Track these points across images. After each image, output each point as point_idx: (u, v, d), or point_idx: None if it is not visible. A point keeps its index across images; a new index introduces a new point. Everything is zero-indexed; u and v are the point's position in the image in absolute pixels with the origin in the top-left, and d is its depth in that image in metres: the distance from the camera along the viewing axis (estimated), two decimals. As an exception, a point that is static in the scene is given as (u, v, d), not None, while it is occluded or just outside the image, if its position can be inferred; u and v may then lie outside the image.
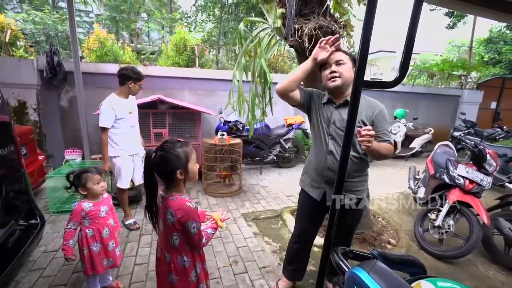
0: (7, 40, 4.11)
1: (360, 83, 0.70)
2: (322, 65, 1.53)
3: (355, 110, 0.72)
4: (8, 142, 1.71)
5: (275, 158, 5.12)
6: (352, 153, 1.50)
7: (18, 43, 4.74)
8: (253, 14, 9.86)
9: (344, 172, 0.80)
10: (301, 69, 1.53)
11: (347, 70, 1.46)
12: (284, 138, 5.06)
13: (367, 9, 0.67)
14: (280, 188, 4.14)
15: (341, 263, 0.74)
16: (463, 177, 2.52)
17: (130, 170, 2.73)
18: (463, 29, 11.77)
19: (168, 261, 1.26)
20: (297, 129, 5.21)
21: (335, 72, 1.45)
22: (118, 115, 2.53)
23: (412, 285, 0.70)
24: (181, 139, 1.24)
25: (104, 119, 2.47)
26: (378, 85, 0.76)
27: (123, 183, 2.70)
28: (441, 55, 12.26)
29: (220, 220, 1.41)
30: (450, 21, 10.34)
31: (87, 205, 1.68)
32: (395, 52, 14.14)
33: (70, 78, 4.14)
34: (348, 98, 1.47)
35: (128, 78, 2.53)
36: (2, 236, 1.52)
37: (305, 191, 1.74)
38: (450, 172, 2.59)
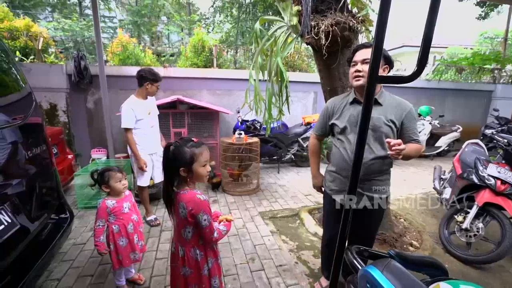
0: (40, 48, 4.41)
1: (375, 79, 0.68)
2: (350, 61, 1.53)
3: (369, 106, 0.70)
4: (40, 142, 1.83)
5: (293, 157, 5.08)
6: (380, 152, 1.50)
7: (49, 49, 5.08)
8: (270, 13, 9.83)
9: (358, 170, 0.78)
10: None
11: None
12: (302, 137, 5.01)
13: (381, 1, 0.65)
14: (298, 187, 4.10)
15: (354, 261, 0.73)
16: (494, 177, 2.36)
17: (149, 168, 2.82)
18: (497, 20, 10.95)
19: (182, 255, 1.30)
20: (315, 128, 5.14)
21: (359, 71, 1.45)
22: (138, 116, 2.63)
23: (430, 287, 0.67)
24: (194, 139, 1.26)
25: (126, 120, 2.58)
26: (394, 80, 0.74)
27: (143, 181, 2.81)
28: (471, 48, 11.48)
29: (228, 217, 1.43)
30: (482, 11, 9.64)
31: (110, 202, 1.77)
32: (419, 46, 13.48)
33: (96, 81, 4.38)
34: (377, 97, 1.48)
35: (145, 79, 2.62)
36: (36, 229, 1.64)
37: (330, 195, 1.71)
38: (480, 172, 2.43)
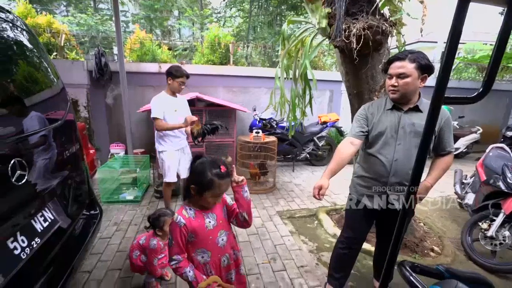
0: (62, 44, 4.50)
1: (439, 100, 0.67)
2: (385, 70, 1.54)
3: (433, 125, 0.70)
4: (74, 140, 1.89)
5: (308, 156, 5.07)
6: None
7: (66, 44, 5.16)
8: (284, 8, 9.70)
9: (420, 175, 0.78)
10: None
11: (409, 84, 1.43)
12: (317, 136, 4.99)
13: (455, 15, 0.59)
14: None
15: (412, 279, 0.74)
16: (523, 185, 2.31)
17: (176, 164, 2.82)
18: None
19: None
20: (331, 127, 5.10)
21: (395, 86, 1.47)
22: (165, 111, 2.62)
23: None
24: (222, 168, 1.18)
25: (154, 110, 2.59)
26: (459, 101, 0.73)
27: (170, 177, 2.80)
28: (491, 44, 11.06)
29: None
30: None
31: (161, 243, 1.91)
32: (436, 42, 13.05)
33: (115, 77, 4.45)
34: (418, 104, 1.51)
35: (168, 74, 2.62)
36: (73, 225, 1.71)
37: (359, 200, 1.72)
38: (508, 179, 2.38)
